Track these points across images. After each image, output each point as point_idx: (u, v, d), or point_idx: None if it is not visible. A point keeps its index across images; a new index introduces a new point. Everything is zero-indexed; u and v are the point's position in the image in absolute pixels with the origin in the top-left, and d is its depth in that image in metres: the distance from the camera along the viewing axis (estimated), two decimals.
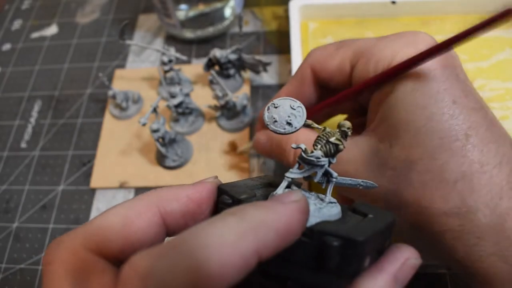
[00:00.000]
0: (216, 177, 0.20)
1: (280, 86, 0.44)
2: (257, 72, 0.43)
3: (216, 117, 0.41)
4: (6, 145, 0.44)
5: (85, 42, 0.51)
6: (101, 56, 0.49)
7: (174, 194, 0.18)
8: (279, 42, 0.47)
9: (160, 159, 0.39)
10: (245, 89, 0.44)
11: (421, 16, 0.44)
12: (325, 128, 0.19)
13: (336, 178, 0.19)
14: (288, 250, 0.15)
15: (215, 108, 0.40)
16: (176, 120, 0.41)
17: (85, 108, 0.45)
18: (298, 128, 0.19)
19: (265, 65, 0.42)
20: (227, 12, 0.46)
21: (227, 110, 0.40)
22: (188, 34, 0.47)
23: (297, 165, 0.19)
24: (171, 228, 0.18)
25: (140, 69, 0.47)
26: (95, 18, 0.53)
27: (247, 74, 0.45)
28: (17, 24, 0.54)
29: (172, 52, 0.41)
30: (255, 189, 0.20)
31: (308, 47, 0.43)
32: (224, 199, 0.18)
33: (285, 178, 0.18)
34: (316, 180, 0.19)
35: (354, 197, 0.26)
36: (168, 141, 0.38)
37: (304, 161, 0.18)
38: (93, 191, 0.39)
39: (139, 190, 0.39)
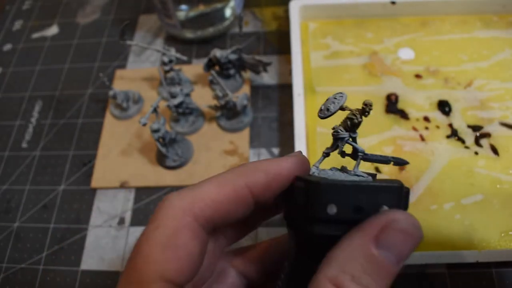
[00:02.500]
0: (301, 152, 0.21)
1: (280, 86, 0.44)
2: (257, 72, 0.43)
3: (216, 117, 0.41)
4: (7, 145, 0.44)
5: (85, 43, 0.51)
6: (102, 56, 0.49)
7: (262, 167, 0.20)
8: (279, 42, 0.47)
9: (161, 159, 0.39)
10: (245, 89, 0.44)
11: (421, 16, 0.44)
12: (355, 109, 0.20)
13: (362, 153, 0.20)
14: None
15: (215, 108, 0.40)
16: (176, 120, 0.41)
17: (85, 108, 0.45)
18: (333, 112, 0.20)
19: (265, 65, 0.42)
20: (227, 12, 0.47)
21: (227, 110, 0.40)
22: (189, 34, 0.47)
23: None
24: (256, 200, 0.19)
25: (140, 69, 0.47)
26: (96, 18, 0.53)
27: (247, 74, 0.45)
28: (18, 24, 0.54)
29: (173, 52, 0.41)
30: None
31: (308, 47, 0.44)
32: (298, 184, 0.19)
33: (323, 153, 0.20)
34: (338, 152, 0.20)
35: None
36: (168, 141, 0.38)
37: (333, 137, 0.20)
38: (93, 191, 0.39)
39: (140, 190, 0.39)
